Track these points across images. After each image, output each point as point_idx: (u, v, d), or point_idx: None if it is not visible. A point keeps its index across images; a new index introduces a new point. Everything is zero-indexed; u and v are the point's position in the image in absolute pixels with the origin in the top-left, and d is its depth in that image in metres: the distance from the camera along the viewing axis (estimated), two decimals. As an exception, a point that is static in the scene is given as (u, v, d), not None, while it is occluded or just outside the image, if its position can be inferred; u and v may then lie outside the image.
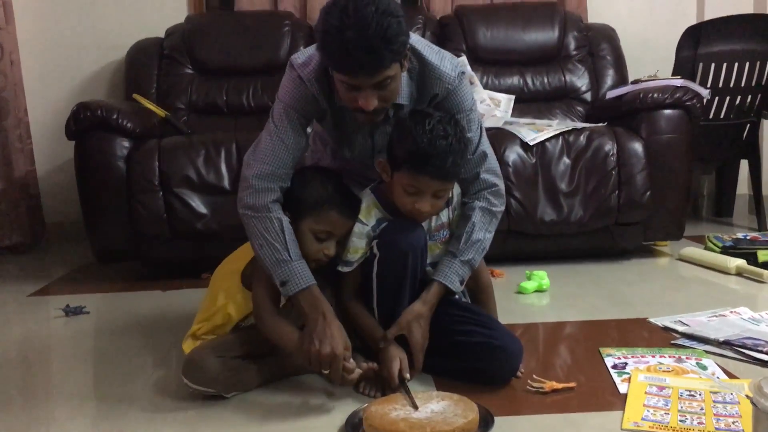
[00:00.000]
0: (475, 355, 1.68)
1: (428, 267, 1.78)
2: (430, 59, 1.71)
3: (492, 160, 1.83)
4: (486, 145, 1.82)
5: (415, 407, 1.49)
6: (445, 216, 1.79)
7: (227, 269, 1.81)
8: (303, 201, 1.72)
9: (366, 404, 1.55)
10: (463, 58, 3.49)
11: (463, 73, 1.76)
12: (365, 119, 1.66)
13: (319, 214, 1.70)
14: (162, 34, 3.62)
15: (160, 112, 3.23)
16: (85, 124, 2.79)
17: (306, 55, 1.72)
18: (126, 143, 2.85)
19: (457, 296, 1.85)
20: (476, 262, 1.77)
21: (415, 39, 1.71)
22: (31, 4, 3.74)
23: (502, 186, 1.83)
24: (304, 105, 1.72)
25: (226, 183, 2.83)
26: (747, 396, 1.25)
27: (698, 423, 1.46)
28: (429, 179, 1.62)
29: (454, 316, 1.76)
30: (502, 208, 1.83)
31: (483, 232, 1.77)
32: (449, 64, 1.73)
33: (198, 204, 2.81)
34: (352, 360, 1.61)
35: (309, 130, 1.83)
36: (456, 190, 1.80)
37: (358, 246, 1.73)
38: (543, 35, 3.61)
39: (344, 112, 1.75)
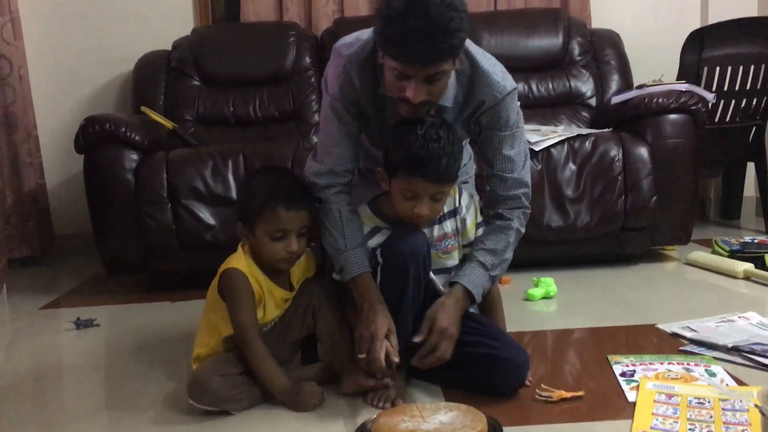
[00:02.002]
0: (480, 367, 1.69)
1: (432, 276, 1.79)
2: (482, 64, 1.72)
3: (529, 183, 1.85)
4: (527, 169, 1.83)
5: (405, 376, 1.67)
6: (449, 227, 1.80)
7: (213, 283, 1.80)
8: (248, 208, 1.73)
9: (375, 416, 1.55)
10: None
11: (515, 88, 1.76)
12: (408, 111, 1.65)
13: (265, 215, 1.69)
14: (169, 47, 3.65)
15: (168, 124, 3.25)
16: (93, 137, 2.82)
17: (352, 37, 1.74)
18: (134, 156, 2.87)
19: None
20: (498, 279, 1.83)
21: (470, 43, 1.71)
22: (39, 19, 3.78)
23: (528, 206, 1.86)
24: (350, 93, 1.74)
25: (233, 194, 2.84)
26: (756, 405, 1.25)
27: (707, 431, 1.46)
28: (425, 182, 1.63)
29: (461, 327, 1.76)
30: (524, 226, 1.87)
31: (510, 253, 1.82)
32: (501, 73, 1.74)
33: (206, 215, 2.83)
34: (395, 341, 1.65)
35: None
36: (464, 201, 1.81)
37: None
38: (547, 41, 3.62)
39: (385, 105, 1.75)
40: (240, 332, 1.70)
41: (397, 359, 1.63)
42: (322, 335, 1.83)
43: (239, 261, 1.74)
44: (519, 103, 1.81)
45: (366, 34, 1.71)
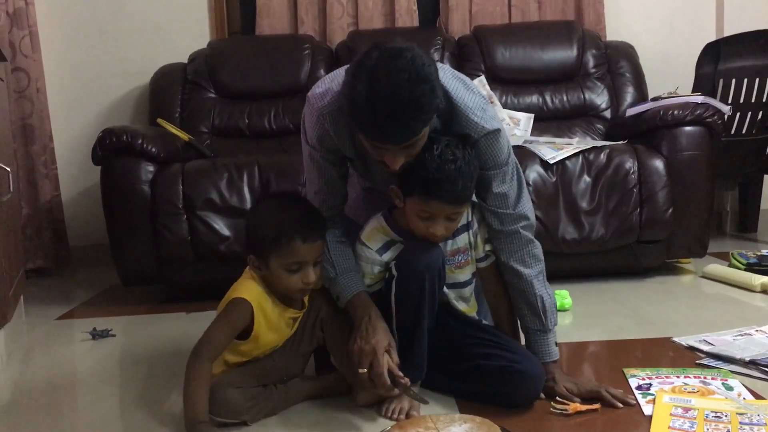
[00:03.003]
0: (496, 379, 1.68)
1: (445, 290, 1.79)
2: (459, 102, 1.62)
3: (530, 213, 1.78)
4: (524, 201, 1.77)
5: (425, 402, 1.65)
6: (462, 241, 1.79)
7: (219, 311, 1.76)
8: (261, 241, 1.66)
9: (389, 427, 1.55)
10: (482, 78, 3.51)
11: (497, 129, 1.66)
12: (388, 171, 1.61)
13: (281, 249, 1.63)
14: (185, 60, 3.69)
15: (184, 136, 3.28)
16: (110, 149, 2.84)
17: (324, 86, 1.69)
18: (151, 167, 2.89)
19: (478, 318, 1.86)
20: (555, 320, 1.79)
21: (448, 76, 1.64)
22: (56, 32, 3.83)
23: (533, 238, 1.80)
24: (327, 144, 1.72)
25: (248, 205, 2.85)
26: (773, 418, 1.24)
27: (724, 445, 1.45)
28: (440, 204, 1.62)
29: (476, 339, 1.76)
30: (539, 248, 1.80)
31: (546, 291, 1.77)
32: (480, 112, 1.64)
33: (221, 227, 2.84)
34: (396, 357, 1.63)
35: None
36: (477, 215, 1.80)
37: (363, 270, 1.77)
38: (561, 53, 3.62)
39: (365, 149, 1.71)
40: (202, 345, 1.63)
41: (401, 375, 1.61)
42: (332, 349, 1.81)
43: (250, 291, 1.68)
44: (507, 141, 1.71)
45: (337, 82, 1.62)
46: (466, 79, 1.70)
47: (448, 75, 1.64)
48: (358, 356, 1.62)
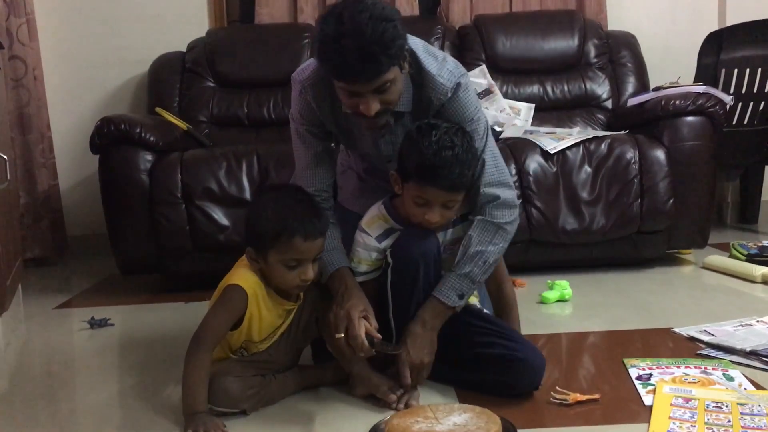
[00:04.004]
0: (496, 368, 1.68)
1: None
2: (427, 67, 1.69)
3: (495, 171, 1.75)
4: (489, 156, 1.75)
5: (398, 351, 1.63)
6: (463, 231, 1.77)
7: (215, 297, 1.74)
8: (261, 235, 1.64)
9: (388, 416, 1.55)
10: (483, 67, 3.48)
11: (458, 84, 1.70)
12: (368, 124, 1.66)
13: (281, 244, 1.62)
14: (184, 48, 3.66)
15: (182, 125, 3.26)
16: (108, 138, 2.82)
17: (307, 62, 1.78)
18: (149, 156, 2.88)
19: (479, 307, 1.85)
20: (477, 276, 1.70)
21: (419, 45, 1.71)
22: (54, 20, 3.80)
23: (509, 195, 1.75)
24: (310, 117, 1.78)
25: (247, 195, 2.84)
26: (775, 408, 1.23)
27: (725, 435, 1.44)
28: (436, 190, 1.61)
29: (476, 328, 1.75)
30: (510, 219, 1.74)
31: (483, 245, 1.70)
32: (447, 73, 1.70)
33: (220, 216, 2.83)
34: (374, 322, 1.63)
35: None
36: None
37: (361, 256, 1.76)
38: (563, 43, 3.60)
39: (349, 120, 1.76)
40: (201, 334, 1.62)
41: (378, 335, 1.62)
42: (328, 339, 1.79)
43: (246, 279, 1.66)
44: (473, 92, 1.75)
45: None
46: (434, 48, 1.78)
47: (418, 44, 1.72)
48: (334, 322, 1.64)
